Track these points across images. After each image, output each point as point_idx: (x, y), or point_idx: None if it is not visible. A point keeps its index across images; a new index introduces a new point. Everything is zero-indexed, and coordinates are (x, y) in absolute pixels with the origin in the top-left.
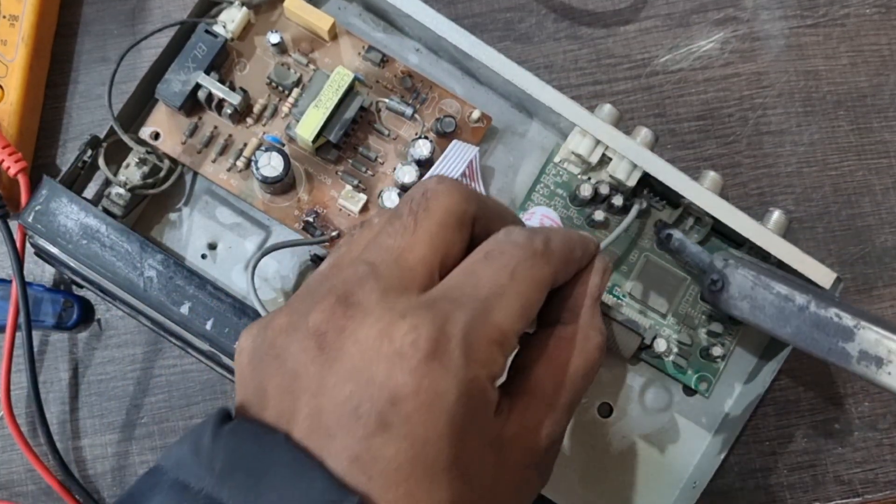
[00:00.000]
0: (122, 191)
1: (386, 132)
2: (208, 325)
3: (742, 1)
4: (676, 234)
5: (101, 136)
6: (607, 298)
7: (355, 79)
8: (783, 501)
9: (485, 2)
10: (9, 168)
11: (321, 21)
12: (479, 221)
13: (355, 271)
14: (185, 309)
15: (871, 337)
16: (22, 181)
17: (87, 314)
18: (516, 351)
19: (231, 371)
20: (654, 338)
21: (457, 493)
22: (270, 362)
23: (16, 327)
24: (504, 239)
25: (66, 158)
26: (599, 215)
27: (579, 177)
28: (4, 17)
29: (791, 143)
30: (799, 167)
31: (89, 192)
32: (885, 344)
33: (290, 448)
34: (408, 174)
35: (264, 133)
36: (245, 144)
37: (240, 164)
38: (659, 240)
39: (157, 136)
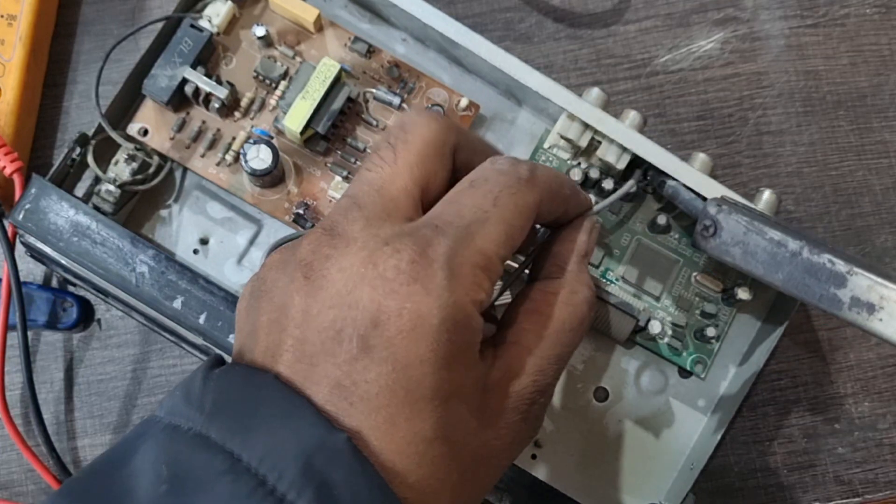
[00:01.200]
0: (111, 187)
1: (374, 122)
2: (201, 319)
3: (742, 1)
4: (670, 181)
5: (90, 133)
6: (600, 282)
7: (342, 70)
8: (783, 501)
9: (485, 2)
10: (4, 168)
11: (306, 13)
12: (460, 152)
13: (339, 205)
14: (177, 303)
15: (863, 283)
16: (17, 181)
17: (86, 314)
18: (507, 300)
19: None
20: (649, 320)
21: (440, 426)
22: (262, 298)
23: (6, 327)
24: (488, 167)
25: None
26: (599, 206)
27: (569, 162)
28: (2, 16)
29: (791, 143)
30: (799, 167)
31: (79, 189)
32: (878, 290)
33: (279, 387)
34: None
35: (252, 126)
36: (233, 138)
37: (228, 157)
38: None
39: (145, 132)
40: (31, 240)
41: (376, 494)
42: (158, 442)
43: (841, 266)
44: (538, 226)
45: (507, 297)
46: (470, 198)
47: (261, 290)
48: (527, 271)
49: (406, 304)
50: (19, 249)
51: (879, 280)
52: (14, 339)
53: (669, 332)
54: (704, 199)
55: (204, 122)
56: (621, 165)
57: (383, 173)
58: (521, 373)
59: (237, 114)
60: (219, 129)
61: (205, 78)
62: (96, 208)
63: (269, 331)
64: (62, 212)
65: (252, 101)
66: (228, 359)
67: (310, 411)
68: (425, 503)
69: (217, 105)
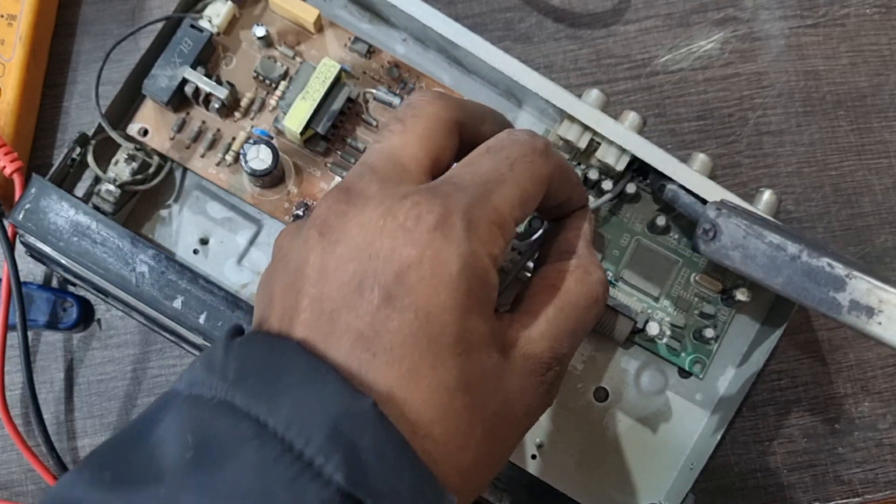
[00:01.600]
0: (111, 187)
1: (374, 123)
2: (201, 319)
3: (742, 1)
4: (670, 184)
5: (90, 133)
6: None
7: (342, 70)
8: (783, 501)
9: (485, 2)
10: (4, 168)
11: (306, 13)
12: (467, 128)
13: (352, 171)
14: (177, 303)
15: (862, 286)
16: (17, 181)
17: (86, 314)
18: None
19: None
20: (647, 321)
21: (463, 376)
22: (277, 267)
23: (7, 327)
24: (506, 136)
25: None
26: (593, 205)
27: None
28: (2, 16)
29: (791, 143)
30: (799, 167)
31: (79, 189)
32: (877, 293)
33: (302, 353)
34: None
35: (252, 126)
36: (233, 138)
37: (228, 158)
38: (653, 193)
39: (145, 132)
40: (31, 240)
41: (402, 459)
42: (181, 411)
43: (840, 270)
44: (542, 220)
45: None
46: (487, 161)
47: (277, 259)
48: (530, 264)
49: (427, 252)
50: (19, 249)
51: (878, 284)
52: (14, 339)
53: (668, 333)
54: (704, 202)
55: (204, 122)
56: (620, 167)
57: (394, 142)
58: (538, 338)
59: (237, 114)
60: (219, 130)
61: (205, 78)
62: (96, 208)
63: (284, 296)
64: (62, 212)
65: (252, 102)
66: (247, 327)
67: (334, 377)
68: (450, 456)
69: (217, 105)
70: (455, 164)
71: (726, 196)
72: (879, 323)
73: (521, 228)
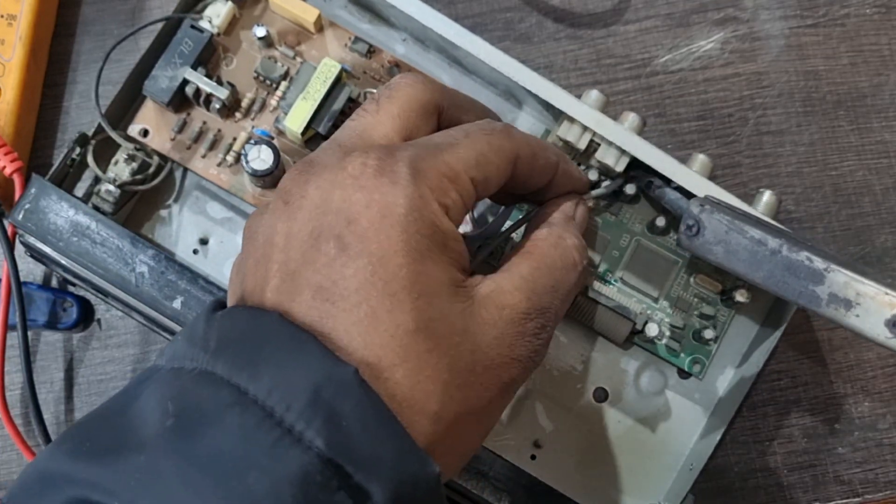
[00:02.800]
0: (111, 188)
1: None
2: None
3: (742, 1)
4: (657, 181)
5: (90, 133)
6: (599, 284)
7: (342, 70)
8: (783, 501)
9: (485, 2)
10: (4, 168)
11: (306, 13)
12: (447, 113)
13: (321, 147)
14: (177, 304)
15: (840, 279)
16: (17, 181)
17: (86, 314)
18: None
19: None
20: (646, 322)
21: (421, 319)
22: (248, 247)
23: (6, 327)
24: (467, 120)
25: None
26: (589, 202)
27: None
28: (2, 16)
29: (791, 143)
30: (799, 167)
31: (79, 189)
32: (854, 286)
33: (284, 323)
34: None
35: (253, 127)
36: (234, 139)
37: (229, 158)
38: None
39: (145, 132)
40: (31, 240)
41: (384, 426)
42: (162, 383)
43: (819, 263)
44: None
45: None
46: (444, 133)
47: (247, 239)
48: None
49: (374, 196)
50: (19, 249)
51: (855, 277)
52: (14, 339)
53: (667, 334)
54: (691, 196)
55: (204, 122)
56: (620, 168)
57: (366, 121)
58: (512, 289)
59: (238, 114)
60: (219, 130)
61: (205, 79)
62: (96, 208)
63: (255, 269)
64: (62, 212)
65: (253, 102)
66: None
67: (316, 346)
68: (416, 401)
69: (218, 106)
70: None
71: (727, 196)
72: (857, 315)
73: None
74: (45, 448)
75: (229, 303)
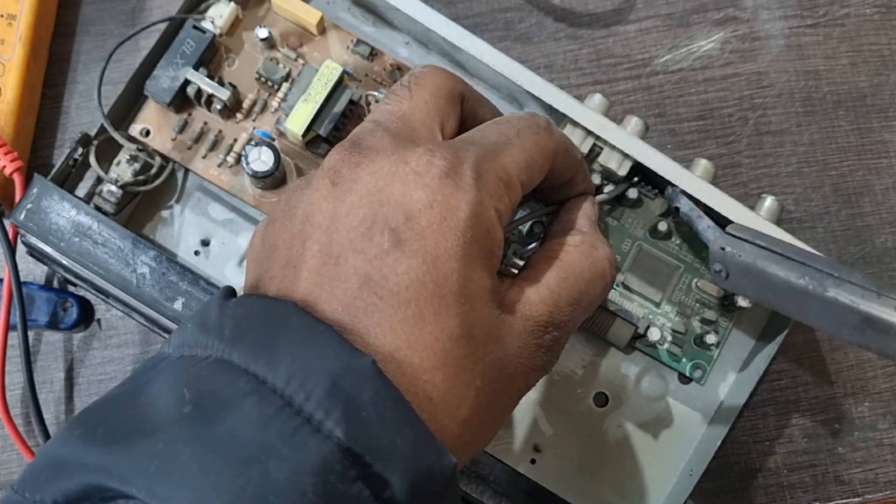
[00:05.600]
0: (113, 188)
1: None
2: None
3: (742, 1)
4: (684, 204)
5: (92, 133)
6: None
7: (344, 72)
8: (783, 501)
9: (485, 1)
10: (4, 167)
11: (309, 15)
12: (467, 102)
13: (363, 128)
14: (178, 305)
15: (873, 310)
16: (17, 180)
17: (86, 314)
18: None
19: None
20: (648, 327)
21: (465, 325)
22: (282, 219)
23: (7, 327)
24: (511, 114)
25: None
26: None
27: None
28: (2, 16)
29: (791, 143)
30: (799, 167)
31: (81, 190)
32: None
33: (300, 312)
34: None
35: (254, 128)
36: (235, 140)
37: (230, 159)
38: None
39: (147, 132)
40: (33, 240)
41: (402, 417)
42: (175, 370)
43: (845, 298)
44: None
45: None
46: (495, 128)
47: (281, 211)
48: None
49: (437, 197)
50: (20, 249)
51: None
52: (14, 339)
53: (669, 339)
54: (716, 221)
55: (206, 123)
56: (623, 172)
57: (403, 106)
58: (538, 301)
59: (239, 115)
60: (220, 131)
61: (207, 79)
62: (98, 209)
63: (290, 244)
64: (63, 212)
65: (254, 103)
66: (240, 291)
67: (333, 335)
68: (449, 405)
69: (219, 106)
70: (466, 133)
71: (728, 202)
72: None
73: (515, 236)
74: (57, 433)
75: (247, 281)
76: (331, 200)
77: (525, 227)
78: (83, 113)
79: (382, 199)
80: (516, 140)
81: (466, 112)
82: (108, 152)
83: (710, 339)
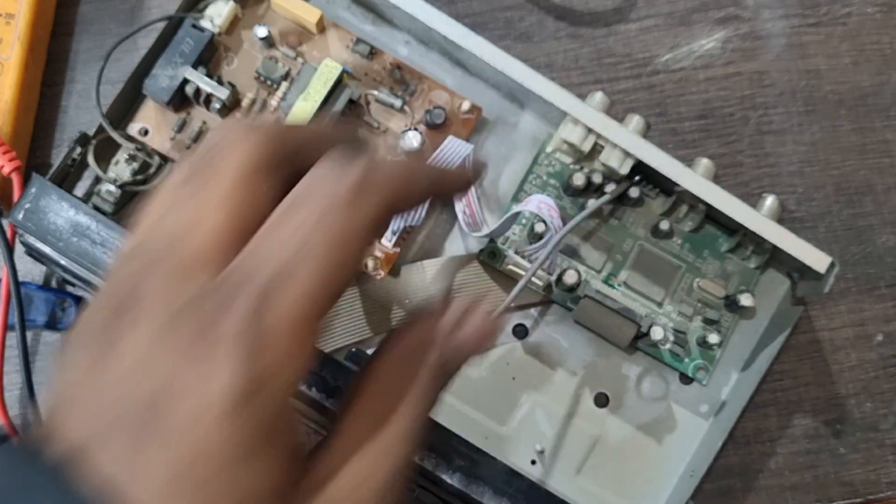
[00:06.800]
0: (112, 187)
1: (375, 125)
2: None
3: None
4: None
5: (90, 133)
6: (603, 288)
7: (343, 71)
8: (785, 502)
9: (485, 0)
10: (3, 167)
11: (308, 14)
12: (300, 155)
13: (135, 264)
14: None
15: None
16: (16, 180)
17: None
18: None
19: None
20: (651, 326)
21: None
22: (56, 375)
23: (6, 327)
24: (309, 180)
25: None
26: (593, 205)
27: (572, 166)
28: (0, 15)
29: (793, 142)
30: (800, 167)
31: (80, 189)
32: None
33: (58, 484)
34: None
35: None
36: None
37: None
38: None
39: (145, 132)
40: (31, 239)
41: None
42: None
43: None
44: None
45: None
46: (275, 239)
47: (57, 364)
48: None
49: (196, 379)
50: (18, 249)
51: None
52: (13, 339)
53: (671, 338)
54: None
55: (205, 122)
56: (624, 170)
57: (187, 215)
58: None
59: (238, 114)
60: None
61: (206, 78)
62: (96, 208)
63: (53, 412)
64: (62, 212)
65: (253, 102)
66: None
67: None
68: None
69: (218, 106)
70: (254, 237)
71: (730, 200)
72: None
73: (517, 235)
74: None
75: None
76: (91, 374)
77: (527, 228)
78: (82, 112)
79: (133, 383)
80: (307, 254)
81: (304, 165)
82: (106, 152)
83: (713, 338)
